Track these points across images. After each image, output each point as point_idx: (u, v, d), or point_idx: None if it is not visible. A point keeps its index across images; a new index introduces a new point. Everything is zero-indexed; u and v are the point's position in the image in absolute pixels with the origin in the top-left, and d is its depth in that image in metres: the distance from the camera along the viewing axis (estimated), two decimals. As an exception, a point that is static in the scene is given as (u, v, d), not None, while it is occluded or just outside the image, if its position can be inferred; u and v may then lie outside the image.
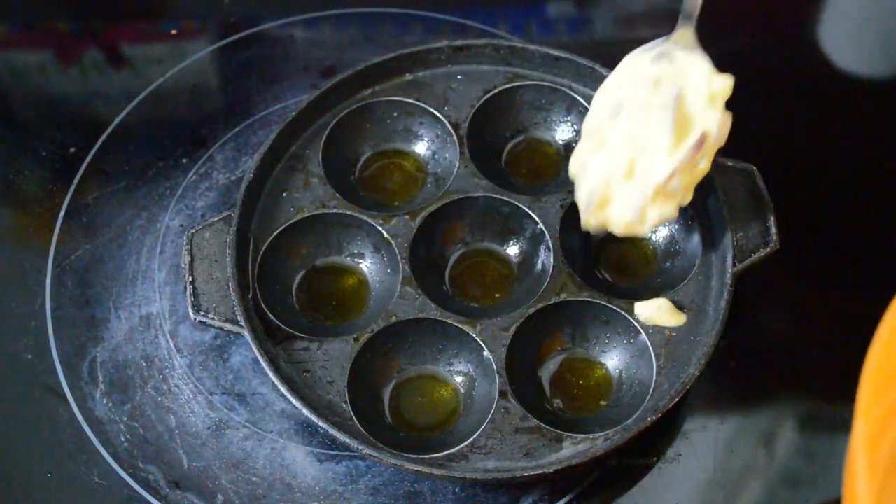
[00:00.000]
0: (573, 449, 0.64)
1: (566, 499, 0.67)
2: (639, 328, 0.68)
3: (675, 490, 0.68)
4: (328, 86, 0.75)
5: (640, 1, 0.93)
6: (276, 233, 0.71)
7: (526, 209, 0.72)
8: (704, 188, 0.71)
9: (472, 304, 0.72)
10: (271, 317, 0.68)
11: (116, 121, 0.83)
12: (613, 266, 0.73)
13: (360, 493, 0.67)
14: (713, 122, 0.65)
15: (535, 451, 0.64)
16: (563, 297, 0.69)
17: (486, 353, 0.67)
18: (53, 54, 0.88)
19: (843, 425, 0.69)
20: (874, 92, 0.88)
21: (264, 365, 0.65)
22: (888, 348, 0.48)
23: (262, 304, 0.68)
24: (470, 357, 0.68)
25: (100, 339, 0.73)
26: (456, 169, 0.74)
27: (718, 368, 0.69)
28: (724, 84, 0.65)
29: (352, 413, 0.65)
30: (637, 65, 0.66)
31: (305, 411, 0.63)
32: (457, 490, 0.67)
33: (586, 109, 0.76)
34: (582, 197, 0.67)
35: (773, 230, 0.69)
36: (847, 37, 0.91)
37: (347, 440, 0.63)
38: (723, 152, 0.76)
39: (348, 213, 0.72)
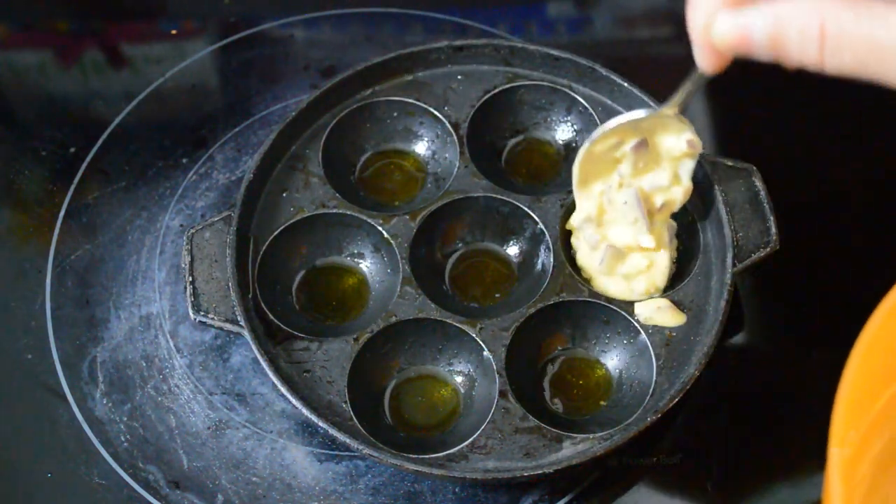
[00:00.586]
0: (573, 449, 0.64)
1: (566, 499, 0.67)
2: (639, 328, 0.68)
3: (675, 490, 0.68)
4: (328, 86, 0.75)
5: (640, 1, 0.93)
6: (276, 233, 0.71)
7: (526, 209, 0.72)
8: (704, 188, 0.71)
9: (472, 304, 0.72)
10: (271, 317, 0.68)
11: (116, 121, 0.83)
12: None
13: (360, 493, 0.67)
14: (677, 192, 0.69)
15: (535, 451, 0.64)
16: (563, 297, 0.69)
17: (486, 353, 0.67)
18: (53, 54, 0.88)
19: (843, 425, 0.69)
20: (874, 92, 0.88)
21: (264, 365, 0.65)
22: (860, 375, 0.48)
23: (262, 304, 0.68)
24: (470, 357, 0.68)
25: (100, 339, 0.73)
26: (456, 169, 0.74)
27: (718, 368, 0.69)
28: (696, 145, 0.68)
29: (352, 413, 0.65)
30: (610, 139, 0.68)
31: (305, 411, 0.63)
32: (457, 490, 0.67)
33: (586, 109, 0.76)
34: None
35: (773, 230, 0.69)
36: (847, 37, 0.91)
37: (347, 440, 0.63)
38: (723, 152, 0.76)
39: (348, 213, 0.72)
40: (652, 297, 0.69)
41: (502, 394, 0.65)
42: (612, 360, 0.69)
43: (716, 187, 0.70)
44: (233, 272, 0.67)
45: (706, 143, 0.81)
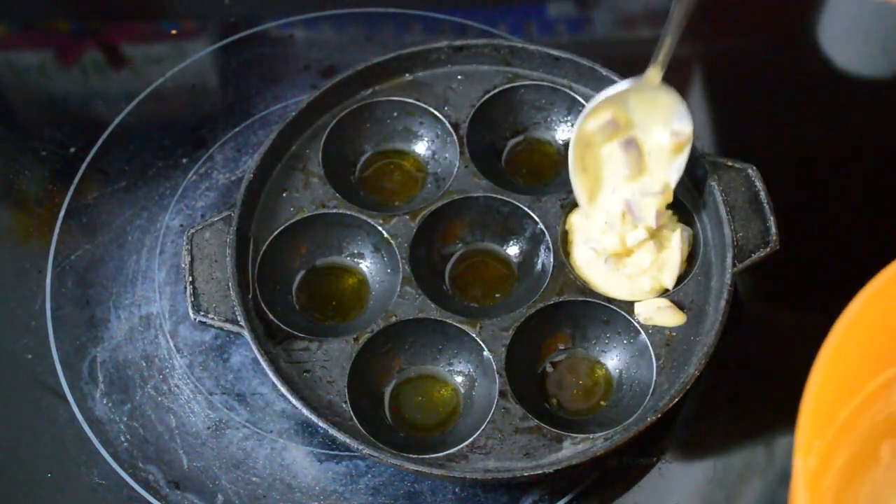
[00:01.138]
0: (573, 449, 0.64)
1: (566, 499, 0.67)
2: (639, 328, 0.68)
3: (675, 490, 0.68)
4: (328, 86, 0.75)
5: (640, 1, 0.93)
6: (276, 233, 0.71)
7: (526, 209, 0.72)
8: (704, 188, 0.72)
9: (472, 304, 0.72)
10: (271, 317, 0.68)
11: (116, 121, 0.83)
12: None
13: (360, 493, 0.67)
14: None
15: (535, 451, 0.64)
16: (563, 297, 0.69)
17: (486, 353, 0.67)
18: (53, 54, 0.88)
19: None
20: (874, 92, 0.88)
21: (264, 365, 0.65)
22: (824, 385, 0.48)
23: (262, 304, 0.68)
24: (470, 357, 0.68)
25: (100, 339, 0.73)
26: (456, 169, 0.74)
27: (718, 368, 0.69)
28: (682, 135, 0.68)
29: (352, 413, 0.65)
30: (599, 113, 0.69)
31: (305, 411, 0.63)
32: (457, 490, 0.67)
33: (586, 109, 0.76)
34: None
35: (773, 230, 0.69)
36: (847, 37, 0.91)
37: (347, 440, 0.63)
38: (723, 152, 0.76)
39: (348, 213, 0.72)
40: (655, 297, 0.69)
41: (502, 394, 0.65)
42: (612, 360, 0.69)
43: (716, 187, 0.70)
44: (233, 272, 0.67)
45: (706, 143, 0.81)
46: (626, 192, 0.69)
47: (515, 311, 0.68)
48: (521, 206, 0.72)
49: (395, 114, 0.77)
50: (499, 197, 0.73)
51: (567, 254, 0.71)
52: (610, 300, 0.69)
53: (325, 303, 0.72)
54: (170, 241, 0.77)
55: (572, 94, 0.77)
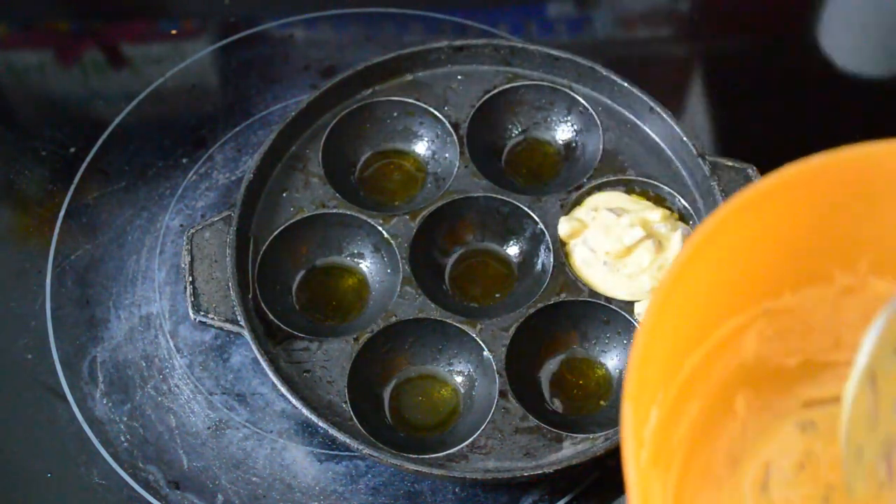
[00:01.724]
0: (573, 449, 0.64)
1: (566, 499, 0.67)
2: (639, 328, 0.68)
3: (675, 490, 0.68)
4: (328, 86, 0.75)
5: (640, 1, 0.93)
6: (276, 233, 0.71)
7: (526, 209, 0.72)
8: (704, 188, 0.72)
9: (472, 304, 0.72)
10: (271, 317, 0.68)
11: (116, 121, 0.83)
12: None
13: (360, 493, 0.67)
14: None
15: (535, 451, 0.64)
16: (563, 297, 0.69)
17: (486, 353, 0.67)
18: (53, 54, 0.88)
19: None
20: (874, 92, 0.88)
21: (264, 365, 0.65)
22: (656, 335, 0.45)
23: (262, 304, 0.68)
24: (470, 357, 0.68)
25: (100, 339, 0.73)
26: (456, 169, 0.74)
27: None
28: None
29: (352, 413, 0.65)
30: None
31: (305, 411, 0.63)
32: (457, 490, 0.67)
33: (586, 109, 0.76)
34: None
35: (773, 230, 0.69)
36: (847, 37, 0.91)
37: (347, 440, 0.63)
38: (723, 152, 0.76)
39: (348, 213, 0.72)
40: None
41: (502, 394, 0.65)
42: (612, 360, 0.69)
43: (716, 187, 0.70)
44: (233, 272, 0.67)
45: (706, 143, 0.81)
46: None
47: (515, 311, 0.68)
48: (521, 206, 0.72)
49: (395, 114, 0.77)
50: (499, 197, 0.73)
51: (567, 254, 0.71)
52: (610, 300, 0.69)
53: (325, 303, 0.71)
54: (170, 241, 0.77)
55: (572, 94, 0.77)
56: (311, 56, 0.87)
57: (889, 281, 0.52)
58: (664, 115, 0.74)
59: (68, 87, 0.87)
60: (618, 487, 0.67)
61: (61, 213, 0.78)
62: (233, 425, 0.69)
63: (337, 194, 0.73)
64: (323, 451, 0.68)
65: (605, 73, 0.76)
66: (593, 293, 0.69)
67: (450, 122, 0.75)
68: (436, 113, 0.76)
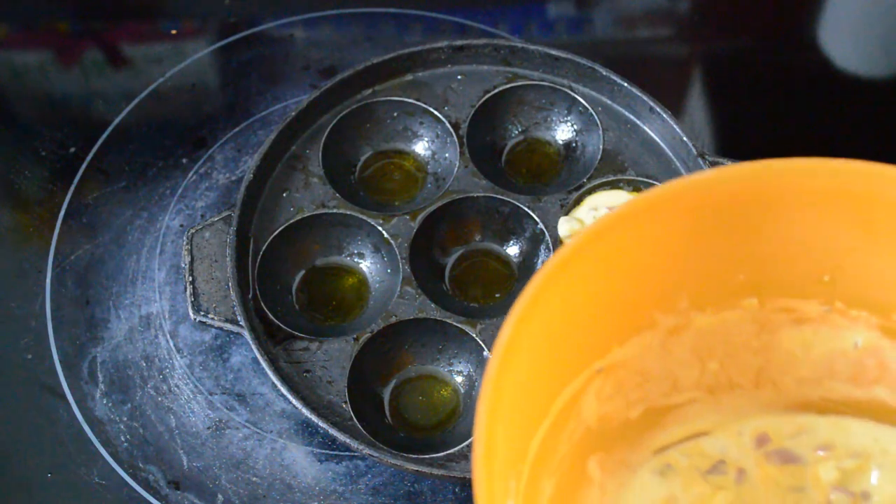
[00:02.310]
0: (573, 449, 0.64)
1: (566, 499, 0.67)
2: (639, 328, 0.68)
3: (675, 490, 0.67)
4: (328, 86, 0.75)
5: (640, 1, 0.93)
6: (276, 233, 0.71)
7: (526, 209, 0.72)
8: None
9: (472, 304, 0.72)
10: (271, 317, 0.68)
11: (116, 121, 0.83)
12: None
13: (360, 493, 0.67)
14: None
15: (535, 451, 0.64)
16: (563, 297, 0.69)
17: (486, 353, 0.67)
18: (53, 54, 0.88)
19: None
20: (874, 92, 0.88)
21: (264, 365, 0.65)
22: (494, 420, 0.43)
23: (262, 304, 0.68)
24: (470, 357, 0.68)
25: (100, 339, 0.72)
26: (456, 169, 0.74)
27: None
28: None
29: (352, 413, 0.65)
30: None
31: (305, 411, 0.63)
32: (457, 490, 0.67)
33: (586, 109, 0.76)
34: None
35: (773, 230, 0.69)
36: (847, 37, 0.91)
37: (347, 440, 0.63)
38: (723, 152, 0.76)
39: (348, 213, 0.72)
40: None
41: (502, 394, 0.65)
42: (612, 360, 0.69)
43: (716, 187, 0.70)
44: (233, 272, 0.67)
45: (706, 143, 0.81)
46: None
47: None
48: (521, 206, 0.72)
49: (395, 114, 0.77)
50: (499, 197, 0.73)
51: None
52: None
53: (325, 303, 0.72)
54: (170, 241, 0.77)
55: (572, 94, 0.77)
56: (311, 56, 0.87)
57: (711, 313, 0.52)
58: (664, 115, 0.74)
59: (68, 87, 0.87)
60: (618, 487, 0.67)
61: (61, 213, 0.78)
62: (233, 425, 0.69)
63: (337, 194, 0.73)
64: (323, 451, 0.68)
65: (605, 73, 0.76)
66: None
67: (450, 122, 0.75)
68: (436, 113, 0.76)
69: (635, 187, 0.73)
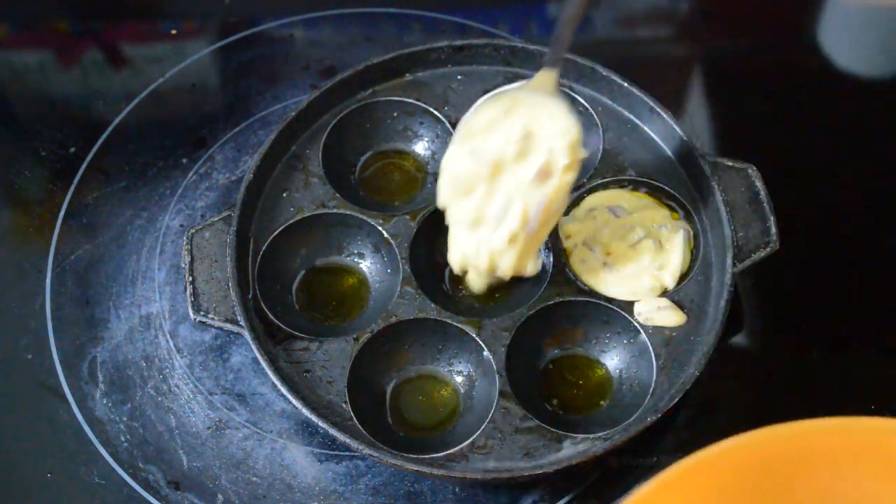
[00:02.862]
0: (573, 449, 0.64)
1: (566, 499, 0.67)
2: (639, 328, 0.68)
3: (675, 490, 0.68)
4: (328, 86, 0.75)
5: (640, 1, 0.93)
6: (276, 233, 0.71)
7: (526, 209, 0.72)
8: (704, 188, 0.72)
9: (472, 304, 0.72)
10: (271, 317, 0.68)
11: (116, 121, 0.83)
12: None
13: (360, 493, 0.67)
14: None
15: (535, 451, 0.64)
16: (563, 297, 0.69)
17: (486, 353, 0.67)
18: (53, 54, 0.88)
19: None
20: (874, 92, 0.88)
21: (264, 365, 0.65)
22: None
23: (262, 304, 0.68)
24: (470, 357, 0.68)
25: (100, 339, 0.73)
26: (456, 169, 0.74)
27: (718, 368, 0.69)
28: (571, 138, 0.63)
29: (352, 413, 0.65)
30: (489, 114, 0.64)
31: (305, 411, 0.63)
32: (457, 490, 0.67)
33: (587, 109, 0.76)
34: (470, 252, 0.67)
35: (773, 230, 0.69)
36: (847, 37, 0.91)
37: (347, 440, 0.63)
38: (723, 152, 0.76)
39: (348, 213, 0.72)
40: (655, 297, 0.69)
41: (502, 394, 0.65)
42: (612, 360, 0.69)
43: (716, 187, 0.70)
44: (233, 272, 0.67)
45: (706, 143, 0.81)
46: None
47: (515, 311, 0.68)
48: (521, 206, 0.72)
49: (395, 114, 0.77)
50: (499, 197, 0.73)
51: (567, 254, 0.71)
52: (610, 300, 0.69)
53: (325, 303, 0.72)
54: (170, 241, 0.77)
55: (572, 94, 0.76)
56: (311, 56, 0.87)
57: None
58: (664, 115, 0.74)
59: (68, 87, 0.87)
60: (618, 487, 0.67)
61: (61, 213, 0.78)
62: (233, 425, 0.69)
63: (337, 194, 0.73)
64: (323, 451, 0.68)
65: (605, 73, 0.76)
66: (593, 293, 0.69)
67: (450, 122, 0.75)
68: (436, 113, 0.76)
69: (635, 187, 0.73)
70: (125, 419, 0.69)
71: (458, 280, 0.72)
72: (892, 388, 0.71)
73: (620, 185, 0.74)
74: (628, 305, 0.68)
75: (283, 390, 0.64)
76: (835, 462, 0.53)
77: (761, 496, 0.53)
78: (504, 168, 0.63)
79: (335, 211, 0.72)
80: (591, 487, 0.67)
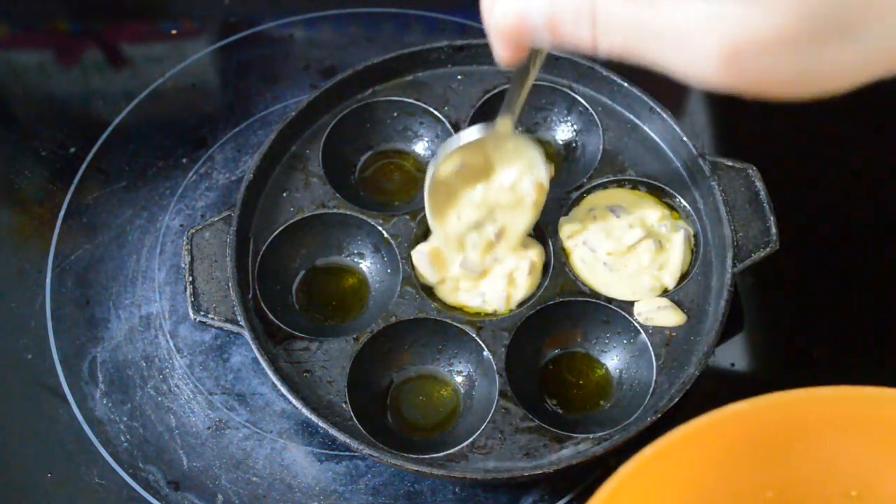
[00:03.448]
0: (573, 449, 0.64)
1: (566, 499, 0.67)
2: (639, 328, 0.68)
3: (674, 490, 0.68)
4: (328, 86, 0.75)
5: (640, 1, 0.92)
6: (276, 233, 0.71)
7: (526, 209, 0.72)
8: (704, 188, 0.72)
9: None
10: (271, 317, 0.68)
11: (116, 121, 0.83)
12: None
13: (360, 493, 0.67)
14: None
15: (535, 451, 0.64)
16: (563, 297, 0.69)
17: (486, 353, 0.67)
18: (53, 54, 0.88)
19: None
20: (874, 92, 0.88)
21: (264, 365, 0.65)
22: None
23: (262, 304, 0.68)
24: (470, 357, 0.68)
25: (100, 339, 0.73)
26: (456, 169, 0.74)
27: (718, 368, 0.69)
28: (533, 187, 0.68)
29: (352, 413, 0.65)
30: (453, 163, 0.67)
31: (305, 411, 0.63)
32: (457, 490, 0.67)
33: (586, 109, 0.76)
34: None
35: (774, 230, 0.69)
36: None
37: (347, 440, 0.63)
38: (723, 152, 0.76)
39: (348, 213, 0.72)
40: (655, 297, 0.69)
41: (502, 394, 0.65)
42: (612, 360, 0.69)
43: (716, 187, 0.70)
44: (233, 272, 0.67)
45: (706, 143, 0.81)
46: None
47: (516, 310, 0.68)
48: (521, 206, 0.72)
49: (395, 114, 0.77)
50: (499, 197, 0.73)
51: (567, 254, 0.71)
52: (610, 300, 0.69)
53: (325, 303, 0.72)
54: (170, 241, 0.77)
55: (572, 94, 0.77)
56: (311, 56, 0.87)
57: None
58: (664, 115, 0.74)
59: (68, 87, 0.87)
60: (618, 487, 0.67)
61: (61, 213, 0.78)
62: (233, 425, 0.69)
63: (337, 194, 0.73)
64: (323, 451, 0.68)
65: (605, 73, 0.76)
66: (593, 293, 0.69)
67: (450, 122, 0.75)
68: (436, 113, 0.76)
69: (634, 186, 0.73)
70: (125, 419, 0.69)
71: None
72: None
73: (620, 184, 0.74)
74: (628, 305, 0.68)
75: (283, 390, 0.64)
76: (834, 430, 0.53)
77: (760, 462, 0.53)
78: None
79: (335, 211, 0.72)
80: (591, 487, 0.67)
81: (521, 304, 0.69)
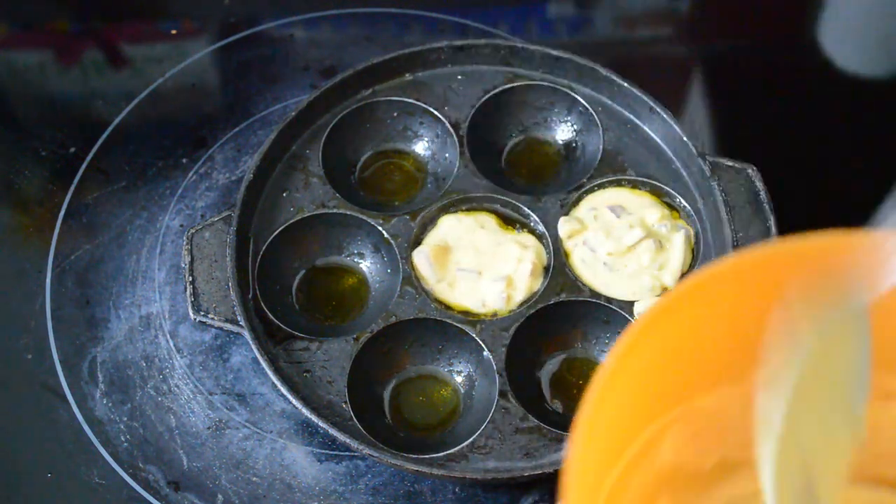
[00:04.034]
0: (573, 449, 0.64)
1: (566, 499, 0.67)
2: (639, 328, 0.68)
3: (675, 490, 0.67)
4: (328, 86, 0.75)
5: (640, 1, 0.93)
6: (276, 233, 0.71)
7: (526, 209, 0.72)
8: (704, 188, 0.72)
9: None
10: (271, 317, 0.68)
11: (116, 121, 0.83)
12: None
13: (360, 493, 0.67)
14: None
15: (535, 451, 0.64)
16: (563, 297, 0.69)
17: (486, 353, 0.67)
18: (53, 54, 0.88)
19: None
20: (874, 92, 0.88)
21: (264, 365, 0.65)
22: (584, 457, 0.45)
23: (262, 304, 0.68)
24: (470, 357, 0.68)
25: (100, 339, 0.72)
26: (456, 169, 0.74)
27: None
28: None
29: (352, 413, 0.65)
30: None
31: (305, 411, 0.63)
32: (457, 490, 0.67)
33: (586, 109, 0.76)
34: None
35: (774, 230, 0.69)
36: (847, 37, 0.91)
37: (347, 440, 0.63)
38: (723, 152, 0.76)
39: (348, 213, 0.72)
40: (655, 297, 0.69)
41: (502, 394, 0.65)
42: (612, 360, 0.69)
43: (716, 187, 0.70)
44: (233, 272, 0.67)
45: (706, 143, 0.81)
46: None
47: (516, 311, 0.68)
48: (521, 206, 0.72)
49: (395, 114, 0.77)
50: (499, 197, 0.73)
51: (567, 254, 0.71)
52: (610, 300, 0.69)
53: (325, 303, 0.72)
54: (170, 241, 0.77)
55: (572, 94, 0.77)
56: (311, 56, 0.87)
57: None
58: (664, 115, 0.74)
59: (68, 87, 0.87)
60: (618, 487, 0.67)
61: (61, 213, 0.78)
62: (233, 425, 0.69)
63: (337, 194, 0.73)
64: (323, 451, 0.68)
65: (605, 73, 0.76)
66: (593, 293, 0.69)
67: (450, 122, 0.75)
68: (436, 113, 0.76)
69: (635, 186, 0.73)
70: (125, 419, 0.69)
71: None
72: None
73: (620, 184, 0.74)
74: (628, 305, 0.68)
75: (283, 390, 0.64)
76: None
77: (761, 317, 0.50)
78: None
79: (335, 211, 0.72)
80: (591, 487, 0.67)
81: (521, 305, 0.69)
